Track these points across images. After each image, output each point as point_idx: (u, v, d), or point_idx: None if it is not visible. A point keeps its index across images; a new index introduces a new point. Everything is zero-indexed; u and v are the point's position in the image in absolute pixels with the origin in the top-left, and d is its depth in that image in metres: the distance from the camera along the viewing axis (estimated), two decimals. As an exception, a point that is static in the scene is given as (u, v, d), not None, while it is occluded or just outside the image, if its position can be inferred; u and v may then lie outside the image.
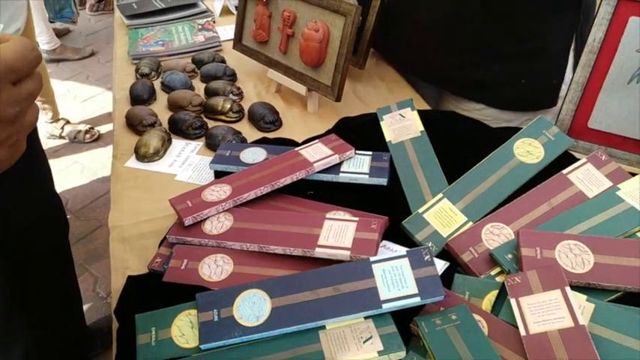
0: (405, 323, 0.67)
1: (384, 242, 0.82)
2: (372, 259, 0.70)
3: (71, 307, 1.52)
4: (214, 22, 1.66)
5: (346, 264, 0.71)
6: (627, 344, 0.61)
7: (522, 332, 0.63)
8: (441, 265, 0.77)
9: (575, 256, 0.73)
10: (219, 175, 0.96)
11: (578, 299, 0.66)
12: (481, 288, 0.72)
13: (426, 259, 0.69)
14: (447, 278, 0.75)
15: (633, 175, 0.84)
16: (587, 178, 0.86)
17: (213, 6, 1.75)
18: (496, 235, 0.80)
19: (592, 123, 0.94)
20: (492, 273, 0.76)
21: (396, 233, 0.84)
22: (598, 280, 0.70)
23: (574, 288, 0.70)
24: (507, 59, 1.11)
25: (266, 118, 1.14)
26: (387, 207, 0.88)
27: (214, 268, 0.76)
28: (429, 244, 0.81)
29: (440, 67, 1.20)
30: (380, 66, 1.41)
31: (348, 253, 0.74)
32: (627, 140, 0.93)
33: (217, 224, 0.81)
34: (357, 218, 0.79)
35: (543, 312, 0.64)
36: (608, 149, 0.94)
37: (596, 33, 0.91)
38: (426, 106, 1.21)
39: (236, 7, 1.39)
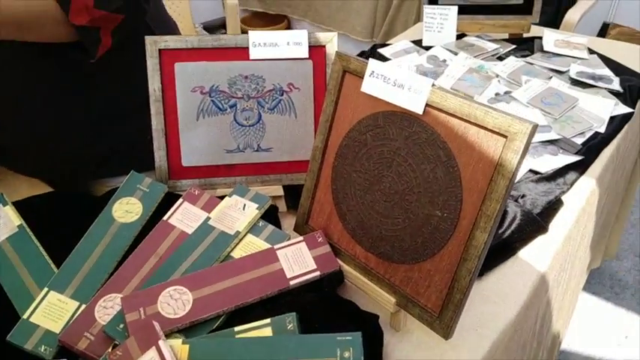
0: None
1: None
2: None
3: None
4: None
5: None
6: (220, 370, 0.66)
7: (125, 409, 0.62)
8: (52, 369, 0.72)
9: (175, 301, 0.76)
10: None
11: (175, 345, 0.68)
12: (93, 375, 0.69)
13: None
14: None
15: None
16: (185, 216, 0.91)
17: None
18: (109, 307, 0.79)
19: (185, 162, 1.00)
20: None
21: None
22: (198, 316, 0.74)
23: (181, 332, 0.73)
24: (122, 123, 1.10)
25: None
26: (-6, 324, 0.78)
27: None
28: (42, 349, 0.75)
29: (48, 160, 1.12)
30: None
31: None
32: (219, 167, 1.02)
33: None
34: None
35: (141, 378, 0.64)
36: (207, 180, 1.02)
37: (154, 84, 0.97)
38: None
39: None
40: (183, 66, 0.97)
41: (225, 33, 3.02)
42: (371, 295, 0.81)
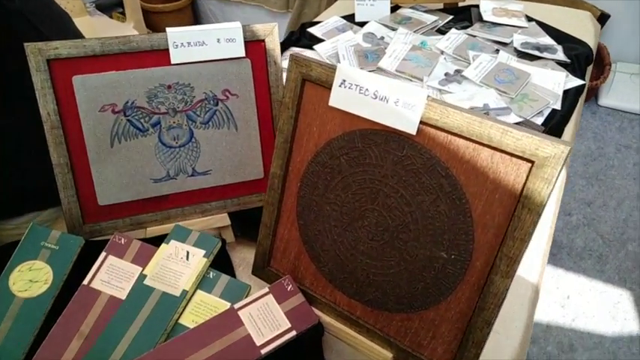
0: None
1: None
2: None
3: None
4: None
5: None
6: None
7: None
8: None
9: (117, 407, 0.57)
10: None
11: None
12: None
13: None
14: None
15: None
16: (113, 275, 0.71)
17: None
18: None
19: (102, 200, 0.79)
20: None
21: None
22: None
23: None
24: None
25: None
26: None
27: None
28: None
29: None
30: None
31: None
32: (147, 201, 0.82)
33: None
34: None
35: None
36: (133, 218, 0.81)
37: (47, 106, 0.74)
38: None
39: None
40: (85, 79, 0.75)
41: (123, 12, 2.68)
42: (359, 349, 0.67)
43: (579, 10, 1.67)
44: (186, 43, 0.78)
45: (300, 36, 1.44)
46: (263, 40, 0.82)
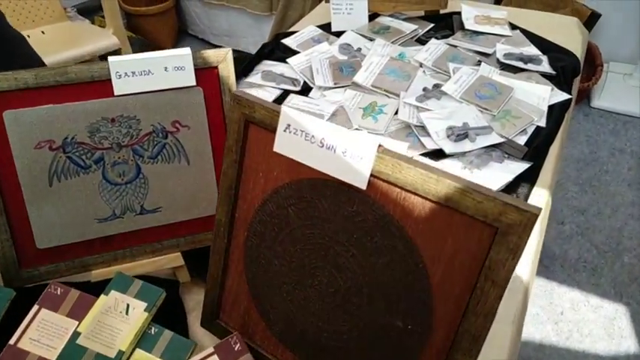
0: None
1: None
2: None
3: None
4: None
5: None
6: None
7: None
8: None
9: None
10: None
11: None
12: None
13: None
14: None
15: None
16: (44, 333, 0.64)
17: None
18: None
19: (40, 243, 0.73)
20: None
21: None
22: None
23: None
24: None
25: None
26: None
27: None
28: None
29: None
30: None
31: None
32: (92, 243, 0.75)
33: None
34: None
35: None
36: (76, 261, 0.75)
37: (-27, 143, 0.67)
38: None
39: None
40: (17, 114, 0.69)
41: (104, 16, 2.60)
42: (315, 414, 0.61)
43: (566, 16, 1.60)
44: (131, 73, 0.71)
45: (273, 48, 1.37)
46: (216, 67, 0.75)
